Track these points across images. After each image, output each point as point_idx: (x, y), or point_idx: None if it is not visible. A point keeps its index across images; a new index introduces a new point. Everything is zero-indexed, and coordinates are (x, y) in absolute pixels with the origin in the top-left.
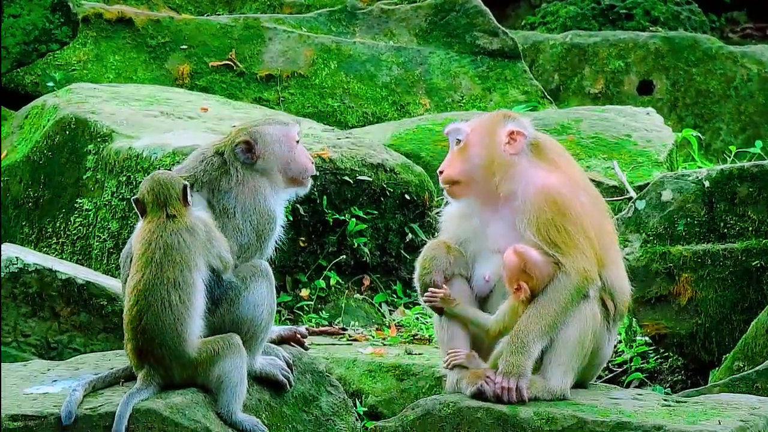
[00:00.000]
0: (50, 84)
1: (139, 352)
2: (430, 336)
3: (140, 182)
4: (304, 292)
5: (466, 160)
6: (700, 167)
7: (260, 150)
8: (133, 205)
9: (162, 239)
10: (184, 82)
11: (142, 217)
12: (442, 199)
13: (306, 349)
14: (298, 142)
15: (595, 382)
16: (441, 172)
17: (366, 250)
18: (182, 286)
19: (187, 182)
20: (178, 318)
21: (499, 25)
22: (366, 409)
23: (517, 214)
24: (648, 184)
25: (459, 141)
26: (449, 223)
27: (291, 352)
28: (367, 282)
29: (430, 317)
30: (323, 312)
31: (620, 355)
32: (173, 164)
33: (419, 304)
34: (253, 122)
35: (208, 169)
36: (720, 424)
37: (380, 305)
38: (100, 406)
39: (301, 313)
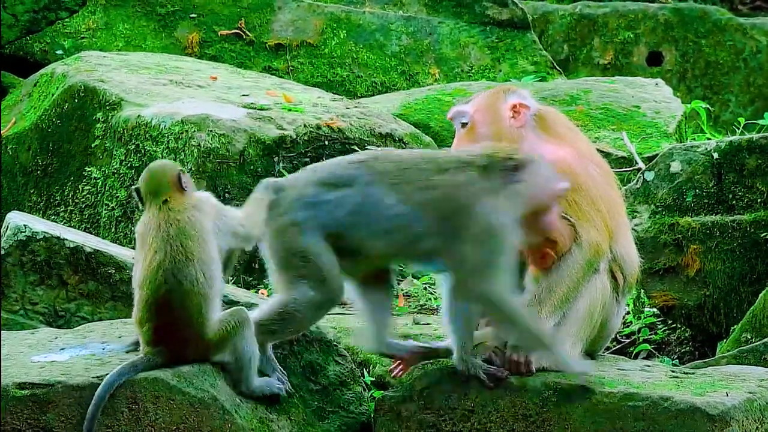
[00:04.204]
0: (59, 52)
1: (157, 330)
2: (437, 306)
3: (149, 150)
4: None
5: (475, 140)
6: (709, 139)
7: None
8: (134, 194)
9: (171, 217)
10: (193, 51)
11: (142, 205)
12: None
13: None
14: None
15: (603, 353)
16: None
17: None
18: (205, 261)
19: (181, 168)
20: (204, 297)
21: None
22: (373, 378)
23: None
24: (657, 155)
25: (465, 124)
26: None
27: None
28: None
29: (438, 287)
30: None
31: (628, 327)
32: (182, 132)
33: (427, 274)
34: None
35: None
36: (727, 395)
37: None
38: (106, 374)
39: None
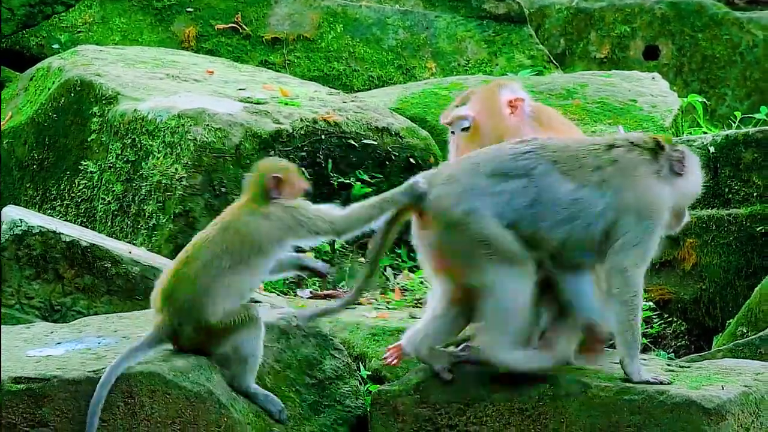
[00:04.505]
0: (56, 46)
1: (167, 302)
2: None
3: (145, 144)
4: (309, 256)
5: (481, 142)
6: (705, 133)
7: None
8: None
9: (236, 216)
10: (189, 45)
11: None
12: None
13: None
14: None
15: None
16: None
17: None
18: (241, 261)
19: (279, 176)
20: (215, 280)
21: None
22: (369, 372)
23: None
24: None
25: (466, 128)
26: None
27: (295, 315)
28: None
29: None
30: (328, 276)
31: None
32: (178, 126)
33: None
34: None
35: None
36: (723, 389)
37: (385, 269)
38: (102, 368)
39: (306, 277)
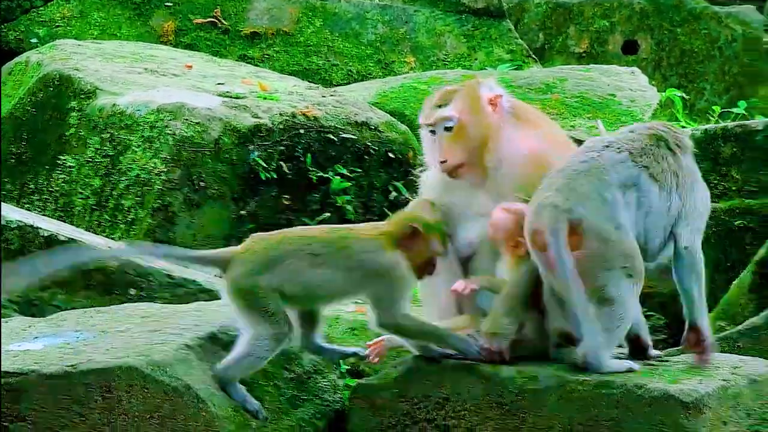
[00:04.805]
0: (34, 40)
1: None
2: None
3: (124, 139)
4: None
5: (465, 142)
6: (684, 127)
7: None
8: None
9: (359, 246)
10: (168, 39)
11: None
12: (424, 158)
13: None
14: None
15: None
16: (443, 162)
17: (350, 208)
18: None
19: (416, 227)
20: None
21: None
22: (348, 366)
23: (504, 179)
24: None
25: (449, 128)
26: (432, 188)
27: None
28: None
29: None
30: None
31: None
32: (157, 121)
33: None
34: None
35: None
36: (701, 383)
37: None
38: (80, 363)
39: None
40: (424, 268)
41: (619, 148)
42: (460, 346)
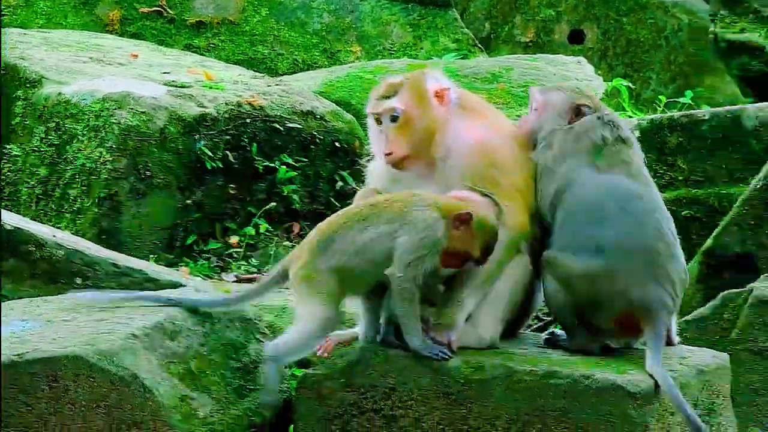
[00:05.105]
0: None
1: None
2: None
3: (69, 128)
4: (234, 240)
5: (411, 134)
6: (630, 117)
7: None
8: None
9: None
10: (114, 29)
11: None
12: (371, 148)
13: None
14: None
15: (525, 331)
16: (389, 154)
17: (296, 197)
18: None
19: (471, 217)
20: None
21: None
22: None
23: (451, 170)
24: None
25: (395, 118)
26: (379, 178)
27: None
28: (296, 229)
29: None
30: (252, 259)
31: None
32: (102, 110)
33: None
34: None
35: None
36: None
37: None
38: (27, 352)
39: (231, 261)
40: (454, 259)
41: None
42: (417, 343)
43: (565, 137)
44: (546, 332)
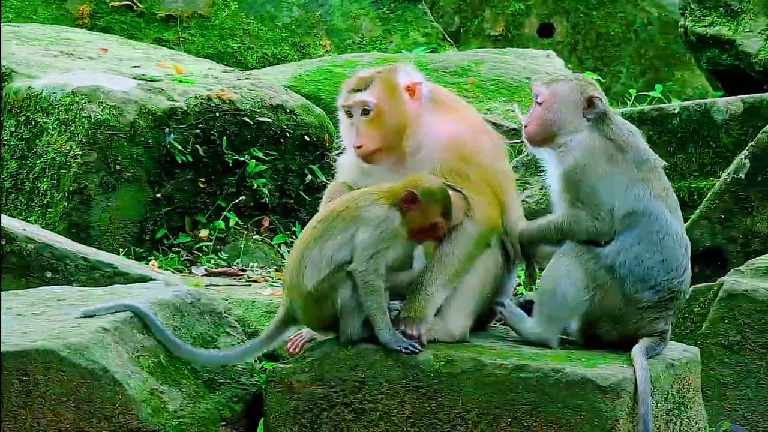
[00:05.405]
0: None
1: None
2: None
3: (40, 122)
4: (203, 233)
5: (381, 128)
6: None
7: None
8: None
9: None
10: (84, 23)
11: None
12: (340, 142)
13: None
14: None
15: (495, 324)
16: (359, 147)
17: (265, 191)
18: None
19: (417, 196)
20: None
21: None
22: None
23: (422, 164)
24: None
25: (367, 111)
26: (349, 171)
27: (190, 293)
28: (266, 223)
29: None
30: (222, 253)
31: (519, 298)
32: (72, 104)
33: None
34: None
35: None
36: (621, 367)
37: (279, 246)
38: None
39: (200, 254)
40: (425, 233)
41: None
42: (386, 336)
43: (610, 150)
44: (522, 298)
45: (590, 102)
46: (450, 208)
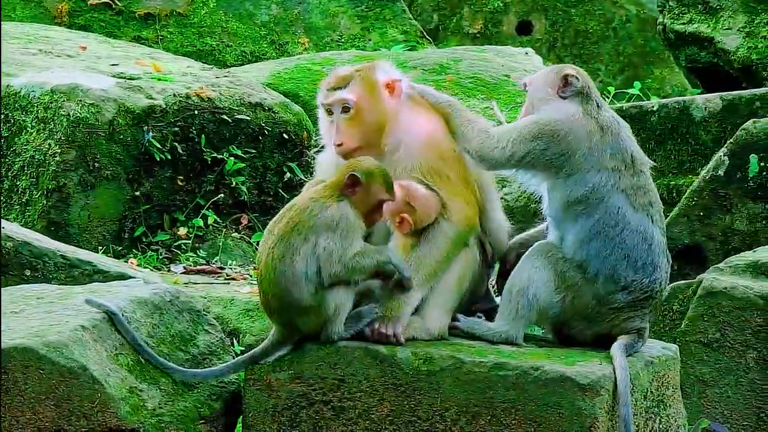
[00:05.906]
0: None
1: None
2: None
3: (18, 120)
4: (182, 231)
5: (361, 126)
6: None
7: None
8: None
9: (311, 204)
10: (62, 21)
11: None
12: (319, 139)
13: None
14: None
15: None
16: (339, 145)
17: (244, 189)
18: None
19: (358, 177)
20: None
21: None
22: (243, 348)
23: (401, 162)
24: None
25: (347, 109)
26: (328, 169)
27: (169, 291)
28: (245, 221)
29: None
30: (201, 251)
31: (498, 296)
32: (51, 102)
33: None
34: None
35: None
36: (599, 365)
37: (258, 244)
38: None
39: (179, 252)
40: (374, 214)
41: None
42: (358, 324)
43: (586, 125)
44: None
45: (565, 81)
46: (390, 181)
